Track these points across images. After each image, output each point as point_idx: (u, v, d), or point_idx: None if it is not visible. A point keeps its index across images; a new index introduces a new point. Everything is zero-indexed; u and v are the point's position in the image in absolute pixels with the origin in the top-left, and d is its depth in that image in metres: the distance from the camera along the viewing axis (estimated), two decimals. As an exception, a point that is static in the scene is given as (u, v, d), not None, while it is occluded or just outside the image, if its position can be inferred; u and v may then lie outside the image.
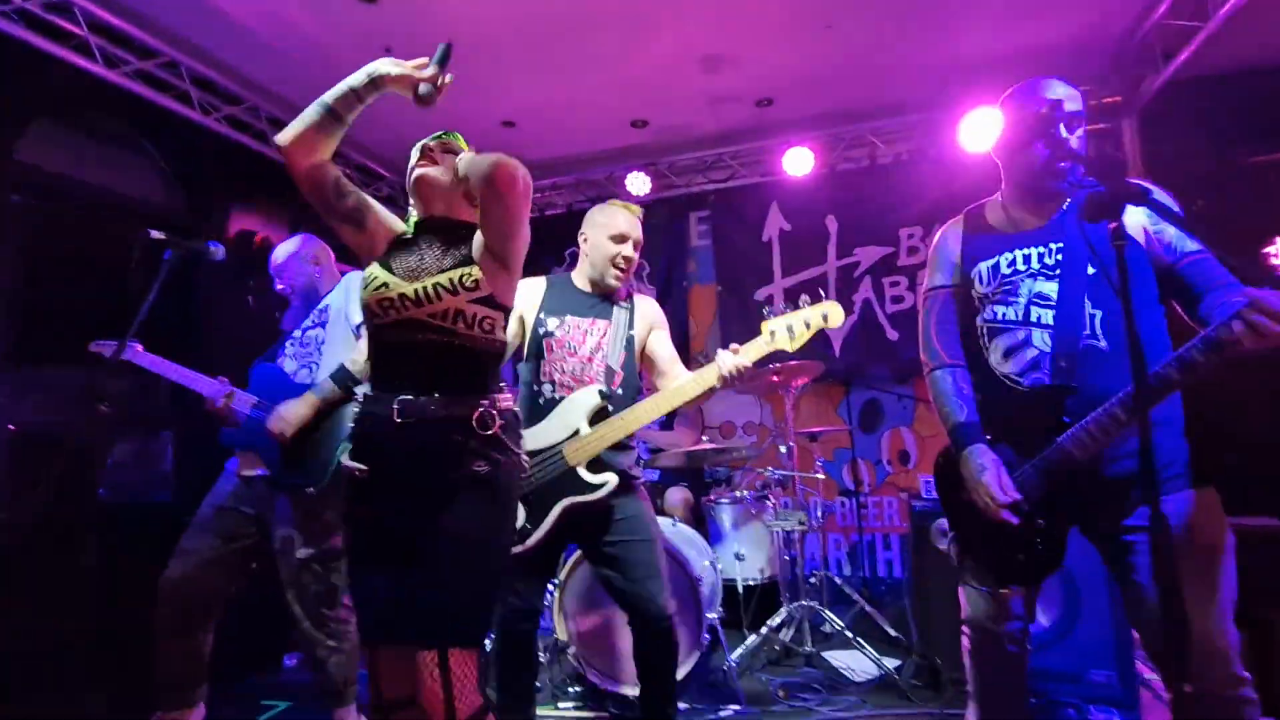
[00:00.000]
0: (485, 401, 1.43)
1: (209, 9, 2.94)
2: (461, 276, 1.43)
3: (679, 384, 1.99)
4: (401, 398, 1.40)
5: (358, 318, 2.28)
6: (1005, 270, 1.53)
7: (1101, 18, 3.25)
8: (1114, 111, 3.79)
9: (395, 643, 1.38)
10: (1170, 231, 1.40)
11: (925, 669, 2.69)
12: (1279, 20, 3.08)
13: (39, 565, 2.35)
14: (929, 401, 1.64)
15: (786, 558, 3.23)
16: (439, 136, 1.63)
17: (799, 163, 4.12)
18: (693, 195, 4.65)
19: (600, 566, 1.96)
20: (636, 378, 2.09)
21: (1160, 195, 1.35)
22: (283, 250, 2.47)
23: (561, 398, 1.98)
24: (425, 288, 1.42)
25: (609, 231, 2.03)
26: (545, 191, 4.84)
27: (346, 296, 2.36)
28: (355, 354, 2.20)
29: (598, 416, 1.95)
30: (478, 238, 1.49)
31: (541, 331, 2.02)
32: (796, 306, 1.98)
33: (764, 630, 3.02)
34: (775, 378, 3.07)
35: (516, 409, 1.54)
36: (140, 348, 2.22)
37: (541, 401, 1.99)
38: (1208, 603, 1.28)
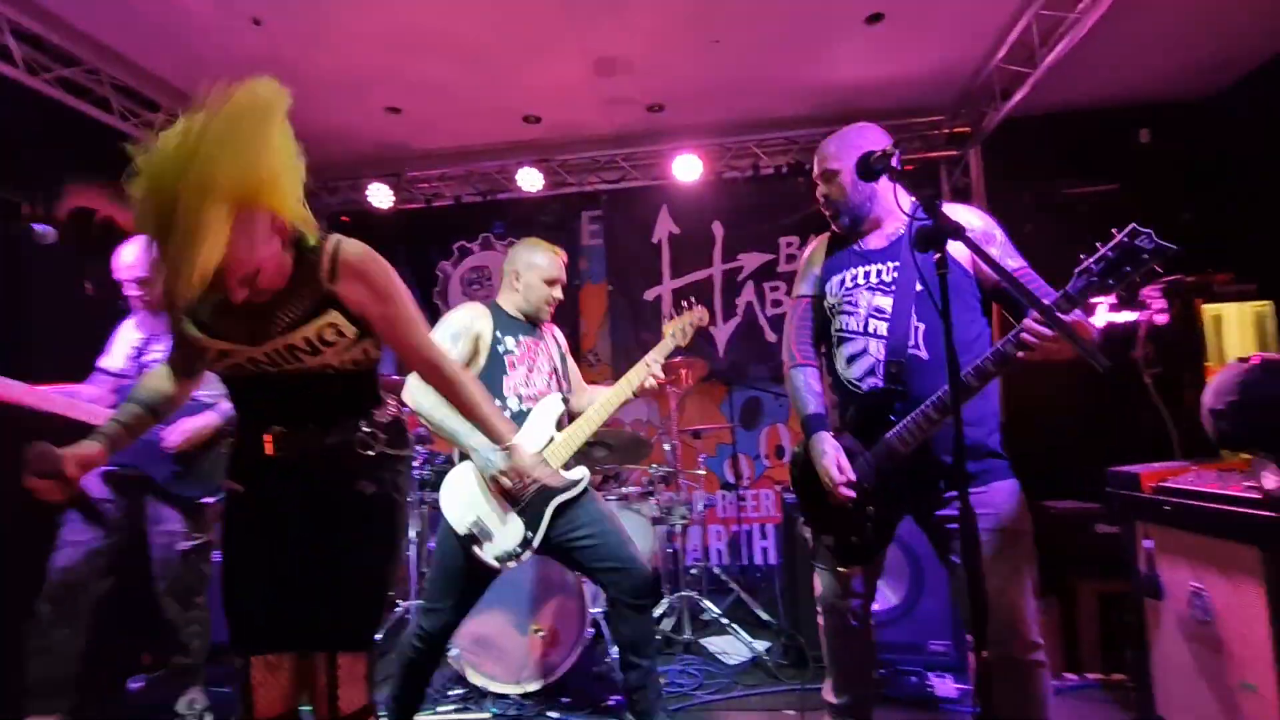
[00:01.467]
0: (363, 423, 1.40)
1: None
2: (320, 332, 1.28)
3: (612, 391, 2.26)
4: (273, 430, 1.34)
5: None
6: (849, 284, 1.74)
7: (954, 56, 3.61)
8: (963, 141, 4.23)
9: (274, 649, 1.35)
10: (996, 251, 1.62)
11: (792, 649, 2.91)
12: (1095, 70, 3.56)
13: None
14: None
15: (669, 550, 3.35)
16: None
17: (688, 168, 4.26)
18: (585, 194, 4.68)
19: (575, 553, 2.11)
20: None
21: (978, 225, 1.57)
22: (132, 252, 2.30)
23: (528, 409, 2.16)
24: (278, 350, 1.28)
25: (544, 275, 2.25)
26: (433, 182, 4.69)
27: None
28: None
29: (560, 423, 2.19)
30: (367, 298, 1.33)
31: (501, 350, 2.17)
32: (679, 311, 2.48)
33: (646, 622, 3.12)
34: (670, 378, 3.17)
35: (399, 416, 1.52)
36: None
37: (509, 414, 2.13)
38: (1010, 579, 1.49)
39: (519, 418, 2.15)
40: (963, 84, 3.87)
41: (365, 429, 1.39)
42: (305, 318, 1.27)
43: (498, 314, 2.23)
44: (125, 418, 1.42)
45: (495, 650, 2.63)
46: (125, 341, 2.44)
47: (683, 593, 3.21)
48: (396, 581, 1.49)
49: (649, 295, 4.63)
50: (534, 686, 2.59)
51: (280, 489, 1.36)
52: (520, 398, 2.17)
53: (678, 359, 3.10)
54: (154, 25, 3.02)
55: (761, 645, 2.98)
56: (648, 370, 2.25)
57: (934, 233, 1.15)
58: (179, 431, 2.35)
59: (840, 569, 1.71)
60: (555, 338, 2.39)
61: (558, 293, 2.29)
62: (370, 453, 1.39)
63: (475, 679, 2.62)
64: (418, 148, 4.46)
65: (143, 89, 3.43)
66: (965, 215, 1.68)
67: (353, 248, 1.32)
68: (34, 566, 2.26)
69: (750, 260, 4.56)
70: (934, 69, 3.71)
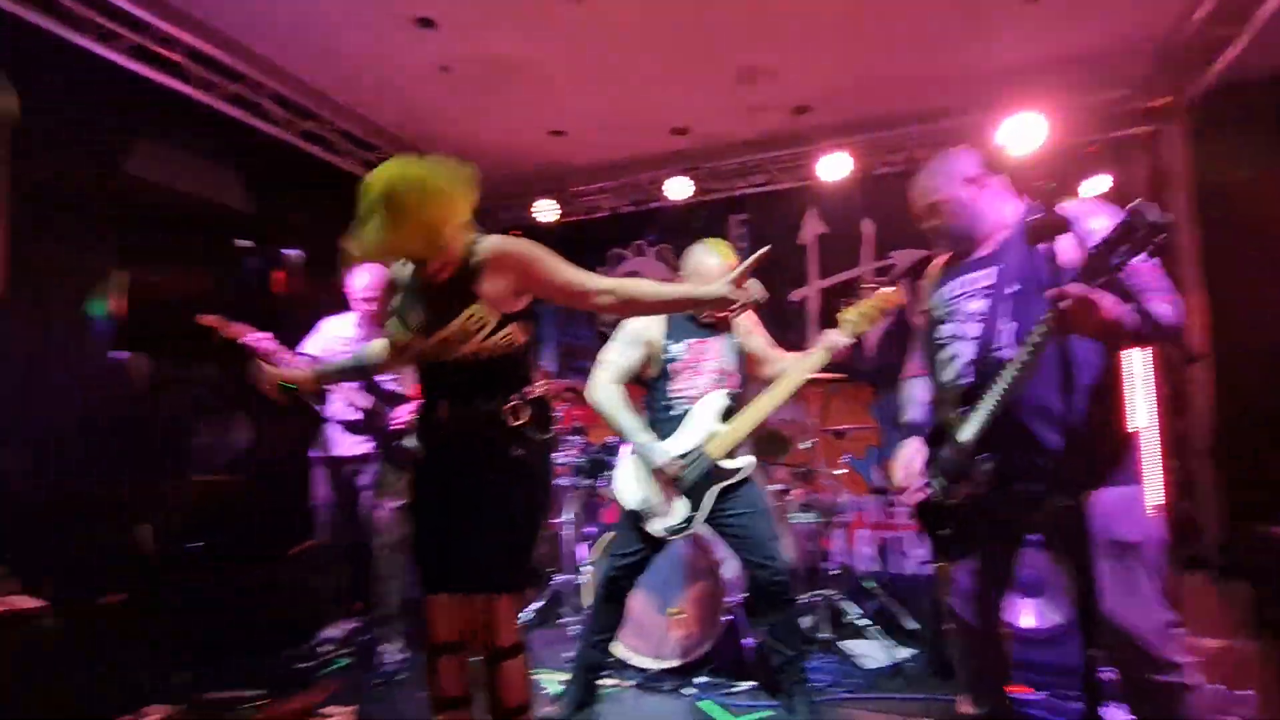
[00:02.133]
0: (515, 398, 1.68)
1: (284, 33, 3.28)
2: (464, 324, 1.61)
3: (787, 376, 2.35)
4: (445, 403, 1.69)
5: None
6: (954, 294, 1.77)
7: (1144, 20, 3.23)
8: (1161, 115, 3.74)
9: (447, 589, 1.67)
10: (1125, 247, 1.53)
11: (937, 660, 2.79)
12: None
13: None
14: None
15: (809, 550, 3.37)
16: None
17: (836, 168, 4.21)
18: (732, 199, 4.80)
19: (727, 537, 2.38)
20: (744, 374, 2.49)
21: (1096, 222, 1.49)
22: (364, 277, 3.01)
23: (690, 410, 2.38)
24: (439, 342, 1.63)
25: (718, 275, 2.38)
26: (592, 195, 5.07)
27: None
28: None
29: (726, 415, 2.36)
30: (500, 275, 1.64)
31: (667, 356, 2.41)
32: (858, 298, 2.40)
33: (782, 616, 3.17)
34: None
35: (545, 398, 1.80)
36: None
37: (674, 414, 2.40)
38: (1129, 594, 1.40)
39: (681, 418, 2.37)
40: (1155, 52, 3.44)
41: (514, 402, 1.67)
42: (456, 313, 1.62)
43: (671, 316, 2.42)
44: (341, 361, 2.00)
45: (637, 625, 2.84)
46: (333, 335, 3.04)
47: (820, 591, 3.21)
48: (540, 536, 1.75)
49: (795, 296, 4.63)
50: (673, 663, 2.76)
51: (449, 451, 1.70)
52: (686, 399, 2.39)
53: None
54: (368, 75, 3.66)
55: (906, 653, 2.91)
56: (814, 367, 2.31)
57: (1043, 227, 1.15)
58: (408, 413, 2.87)
59: (939, 564, 1.72)
60: (737, 326, 2.47)
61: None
62: (519, 422, 1.67)
63: (618, 650, 2.85)
64: (577, 165, 4.86)
65: (363, 134, 4.16)
66: (1096, 211, 1.60)
67: (485, 245, 1.66)
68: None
69: (903, 258, 4.39)
70: (1115, 39, 3.35)
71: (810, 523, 3.29)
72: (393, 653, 2.87)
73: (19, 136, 2.83)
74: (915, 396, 1.88)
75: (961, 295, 1.75)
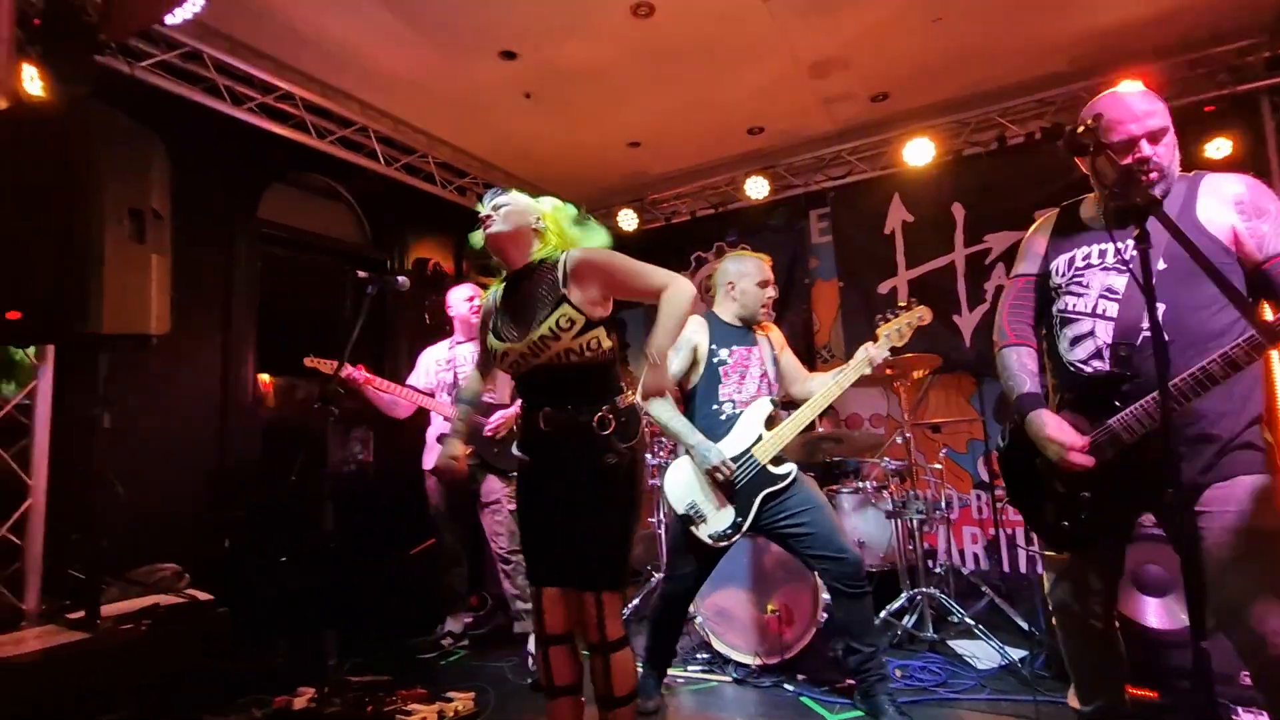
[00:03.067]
0: (606, 406, 1.78)
1: (387, 79, 3.59)
2: (558, 321, 1.72)
3: (828, 385, 2.43)
4: (544, 410, 1.81)
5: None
6: (1080, 263, 1.61)
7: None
8: (1286, 64, 3.37)
9: (555, 584, 1.81)
10: (1264, 229, 1.42)
11: (1055, 660, 2.66)
12: None
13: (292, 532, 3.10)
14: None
15: (910, 547, 3.29)
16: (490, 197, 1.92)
17: (919, 152, 4.09)
18: (811, 193, 4.74)
19: (788, 540, 2.37)
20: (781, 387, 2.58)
21: (1250, 191, 1.37)
22: (462, 292, 3.42)
23: (740, 413, 2.43)
24: (533, 341, 1.74)
25: (756, 279, 2.51)
26: (670, 201, 5.17)
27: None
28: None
29: (771, 422, 2.42)
30: (586, 279, 1.76)
31: (716, 360, 2.46)
32: (895, 314, 2.49)
33: (883, 614, 3.12)
34: (889, 370, 3.15)
35: (635, 405, 1.89)
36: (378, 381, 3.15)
37: (723, 418, 2.43)
38: (1259, 589, 1.30)
39: (731, 421, 2.42)
40: (1280, -4, 3.12)
41: (606, 411, 1.77)
42: (548, 314, 1.74)
43: (715, 324, 2.51)
44: (463, 415, 2.10)
45: (735, 623, 2.89)
46: (431, 361, 3.40)
47: (924, 589, 3.13)
48: (637, 537, 1.84)
49: (883, 288, 4.51)
50: (771, 661, 2.79)
51: (548, 457, 1.83)
52: (734, 403, 2.44)
53: (909, 355, 3.10)
54: (460, 109, 3.93)
55: (1017, 653, 2.79)
56: (858, 372, 2.38)
57: (1128, 209, 1.11)
58: (495, 419, 3.17)
59: (1054, 554, 1.62)
60: (770, 340, 2.59)
61: (771, 292, 2.53)
62: (608, 431, 1.76)
63: (718, 646, 2.91)
64: (656, 173, 4.97)
65: (457, 163, 4.46)
66: (1230, 185, 1.49)
67: (573, 256, 1.80)
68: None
69: (999, 241, 4.18)
70: (1233, -14, 3.06)
71: (909, 519, 3.21)
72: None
73: (175, 193, 3.28)
74: (1025, 365, 1.66)
75: (1091, 267, 1.59)
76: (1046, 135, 3.91)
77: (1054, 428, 1.53)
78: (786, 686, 2.69)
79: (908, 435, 3.27)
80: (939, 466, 3.45)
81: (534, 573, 1.86)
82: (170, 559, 2.78)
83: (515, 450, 1.92)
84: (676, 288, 1.76)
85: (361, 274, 2.38)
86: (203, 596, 2.53)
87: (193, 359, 3.37)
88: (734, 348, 2.47)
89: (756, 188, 4.61)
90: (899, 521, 3.27)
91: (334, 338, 3.89)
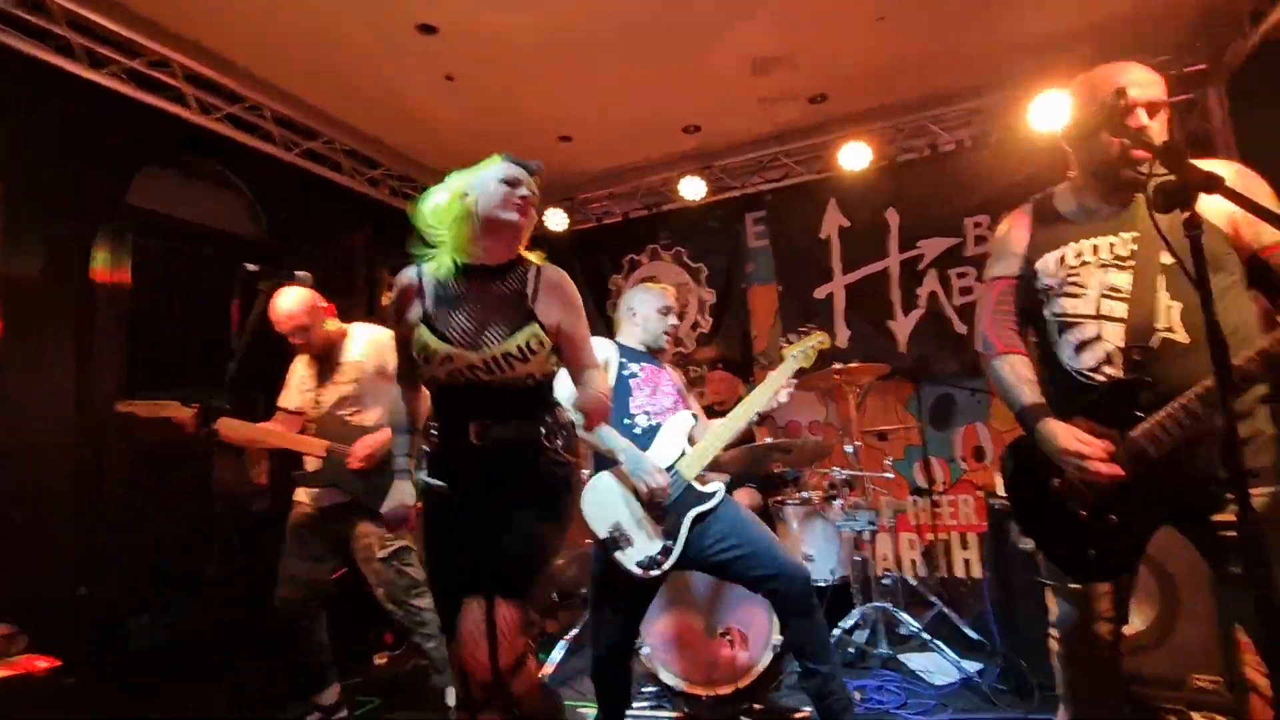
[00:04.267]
0: (550, 419, 1.61)
1: (284, 53, 3.17)
2: (530, 342, 1.52)
3: (745, 401, 2.30)
4: (479, 421, 1.54)
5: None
6: (1073, 261, 1.48)
7: (1180, -18, 3.06)
8: (1199, 81, 3.56)
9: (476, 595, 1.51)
10: (1256, 221, 1.32)
11: (1011, 673, 2.60)
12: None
13: (169, 567, 2.62)
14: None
15: (857, 559, 3.18)
16: (532, 174, 1.67)
17: (855, 157, 4.05)
18: (748, 196, 4.64)
19: (725, 567, 2.11)
20: None
21: (1240, 178, 1.28)
22: (287, 301, 2.56)
23: (658, 424, 2.23)
24: (495, 358, 1.51)
25: (657, 306, 2.40)
26: (603, 201, 4.94)
27: (379, 355, 2.61)
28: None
29: (692, 438, 2.25)
30: (553, 315, 1.58)
31: (626, 373, 2.30)
32: (799, 336, 2.43)
33: (836, 631, 2.99)
34: (836, 377, 3.04)
35: (571, 421, 1.72)
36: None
37: (638, 431, 2.22)
38: None
39: (650, 433, 2.22)
40: (1193, 14, 3.26)
41: (548, 424, 1.58)
42: (515, 329, 1.52)
43: (623, 349, 2.37)
44: (407, 448, 1.77)
45: (684, 650, 2.67)
46: (298, 380, 2.68)
47: (876, 603, 3.02)
48: (554, 556, 1.65)
49: (819, 294, 4.46)
50: (724, 690, 2.58)
51: (483, 477, 1.55)
52: (649, 414, 2.25)
53: (853, 363, 3.04)
54: (370, 94, 3.54)
55: (972, 666, 2.71)
56: (771, 394, 2.25)
57: (1179, 187, 0.97)
58: (361, 448, 2.48)
59: (1074, 585, 1.47)
60: (675, 379, 2.44)
61: (674, 319, 2.44)
62: (552, 444, 1.57)
63: (666, 678, 2.67)
64: (588, 171, 4.72)
65: (367, 151, 4.03)
66: (1220, 172, 1.40)
67: (550, 274, 1.62)
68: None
69: (932, 246, 4.21)
70: (1152, 4, 3.17)
71: (859, 530, 3.10)
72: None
73: (17, 169, 2.74)
74: (1021, 374, 1.52)
75: (1086, 265, 1.46)
76: (977, 143, 3.96)
77: (1068, 438, 1.37)
78: (742, 719, 2.50)
79: (857, 444, 3.17)
80: (889, 475, 3.38)
81: (450, 624, 1.54)
82: (5, 614, 2.25)
83: (425, 477, 1.63)
84: (589, 398, 1.65)
85: (251, 268, 2.00)
86: (42, 663, 2.04)
87: (38, 372, 2.80)
88: (643, 364, 2.35)
89: (692, 188, 4.45)
90: (849, 533, 3.16)
91: (222, 345, 3.37)
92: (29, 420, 2.72)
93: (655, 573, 2.07)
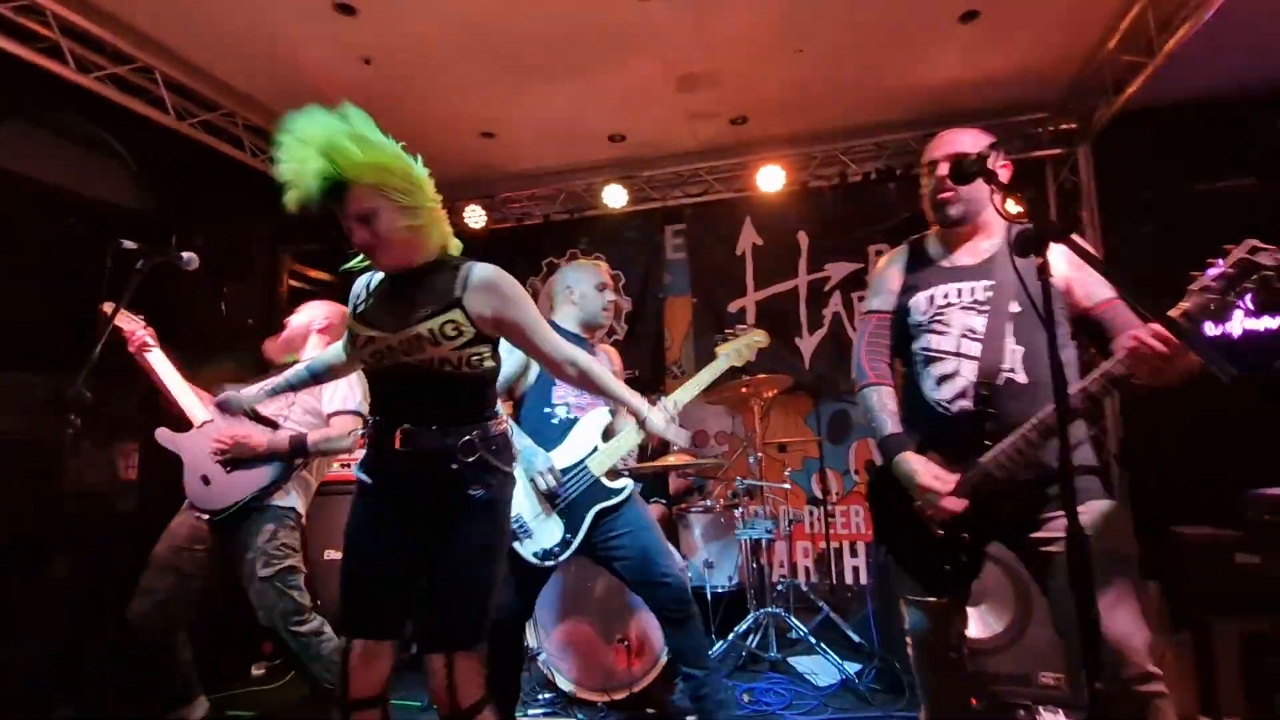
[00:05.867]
0: (477, 430, 1.52)
1: (185, 15, 2.95)
2: (442, 326, 1.46)
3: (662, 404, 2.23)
4: (403, 427, 1.50)
5: (331, 405, 2.43)
6: (940, 301, 1.65)
7: (1058, 49, 3.40)
8: (1070, 138, 3.97)
9: (376, 638, 1.50)
10: (1088, 279, 1.54)
11: (886, 673, 2.78)
12: (1222, 57, 3.25)
13: (6, 578, 2.33)
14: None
15: (754, 566, 3.30)
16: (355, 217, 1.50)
17: (771, 180, 4.23)
18: (669, 208, 4.73)
19: (612, 563, 2.20)
20: None
21: (1080, 242, 1.47)
22: (305, 307, 2.64)
23: (575, 418, 2.25)
24: (408, 337, 1.47)
25: (595, 283, 2.38)
26: (523, 202, 4.89)
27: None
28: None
29: (608, 434, 2.27)
30: (487, 304, 1.51)
31: None
32: (735, 333, 2.43)
33: (730, 636, 3.09)
34: (744, 389, 3.16)
35: (507, 431, 1.64)
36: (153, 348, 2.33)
37: (556, 422, 2.24)
38: (1116, 605, 1.37)
39: (566, 426, 2.24)
40: (1069, 78, 3.64)
41: (476, 435, 1.51)
42: (433, 315, 1.47)
43: (558, 332, 2.32)
44: (294, 379, 1.82)
45: (581, 657, 2.68)
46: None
47: (769, 609, 3.15)
48: (498, 583, 1.55)
49: (733, 307, 4.60)
50: (619, 695, 2.61)
51: (401, 484, 1.52)
52: (569, 406, 2.27)
53: (760, 375, 3.15)
54: (280, 70, 3.35)
55: (853, 667, 2.88)
56: (697, 389, 2.26)
57: (1036, 235, 1.09)
58: (229, 430, 2.28)
59: (932, 599, 1.62)
60: (609, 358, 2.46)
61: (611, 296, 2.40)
62: (473, 458, 1.49)
63: (563, 684, 2.67)
64: (509, 170, 4.66)
65: (271, 128, 3.80)
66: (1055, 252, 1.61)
67: (481, 271, 1.54)
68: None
69: (838, 270, 4.45)
70: (1036, 63, 3.51)
71: (758, 538, 3.22)
72: None
73: None
74: (886, 405, 1.68)
75: (951, 306, 1.63)
76: (882, 176, 4.23)
77: (924, 474, 1.53)
78: (636, 724, 2.53)
79: (759, 455, 3.30)
80: (787, 486, 3.52)
81: (351, 621, 1.52)
82: None
83: (357, 471, 1.58)
84: (592, 360, 1.67)
85: (128, 245, 1.85)
86: None
87: None
88: None
89: (614, 196, 4.49)
90: (746, 541, 3.27)
91: (85, 329, 3.06)
92: None
93: (551, 564, 2.12)
